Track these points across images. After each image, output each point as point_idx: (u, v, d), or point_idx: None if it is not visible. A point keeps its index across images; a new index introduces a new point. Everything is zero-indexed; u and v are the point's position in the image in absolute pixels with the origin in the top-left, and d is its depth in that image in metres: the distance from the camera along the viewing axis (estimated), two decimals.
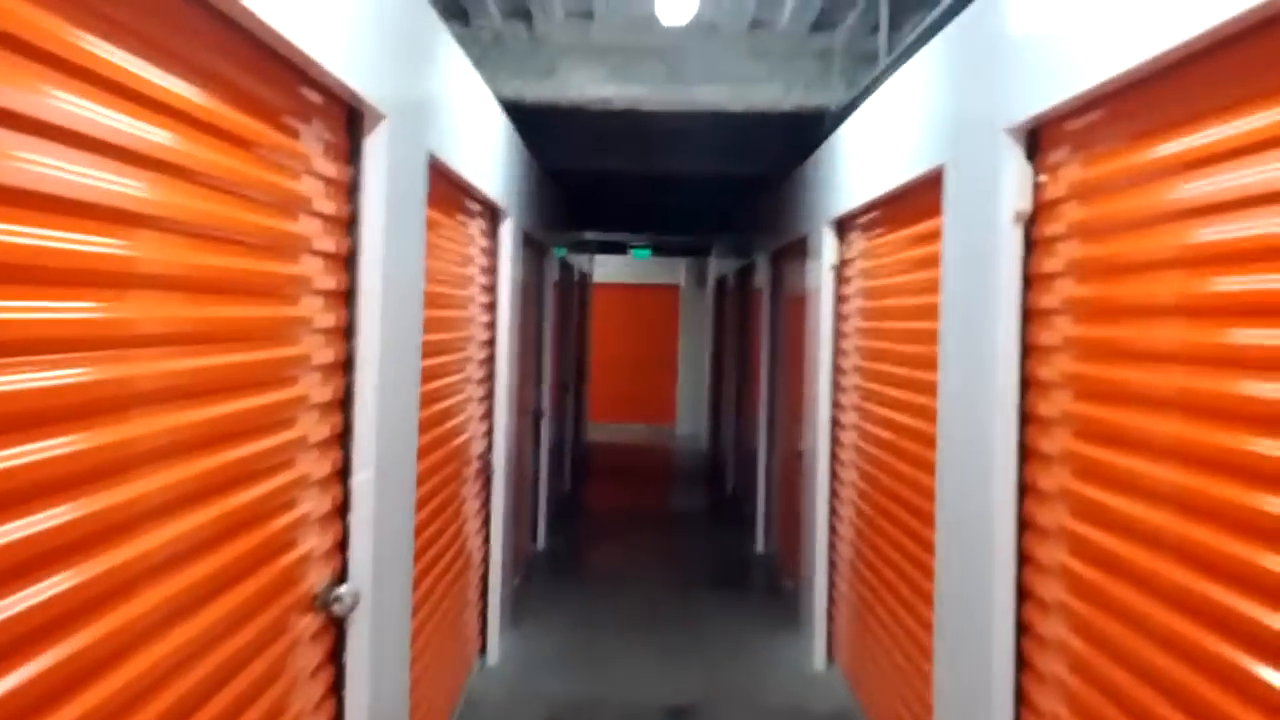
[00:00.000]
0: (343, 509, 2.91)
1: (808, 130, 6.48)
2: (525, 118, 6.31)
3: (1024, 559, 2.99)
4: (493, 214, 5.65)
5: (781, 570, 7.68)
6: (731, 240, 12.14)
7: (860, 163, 5.09)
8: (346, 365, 2.93)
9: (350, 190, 2.94)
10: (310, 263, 2.68)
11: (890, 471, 4.62)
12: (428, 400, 4.17)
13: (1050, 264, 2.88)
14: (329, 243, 2.81)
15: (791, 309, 7.58)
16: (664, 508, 10.96)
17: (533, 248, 7.81)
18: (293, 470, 2.56)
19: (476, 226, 5.39)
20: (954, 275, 3.52)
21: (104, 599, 1.72)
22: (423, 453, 4.09)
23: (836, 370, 5.76)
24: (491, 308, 5.71)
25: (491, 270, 5.71)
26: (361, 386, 2.96)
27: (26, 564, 1.52)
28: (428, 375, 4.17)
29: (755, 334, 9.53)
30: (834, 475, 5.78)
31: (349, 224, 2.94)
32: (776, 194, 8.04)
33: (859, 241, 5.47)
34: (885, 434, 4.76)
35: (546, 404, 8.51)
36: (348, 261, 2.94)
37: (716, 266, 14.79)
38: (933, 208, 3.90)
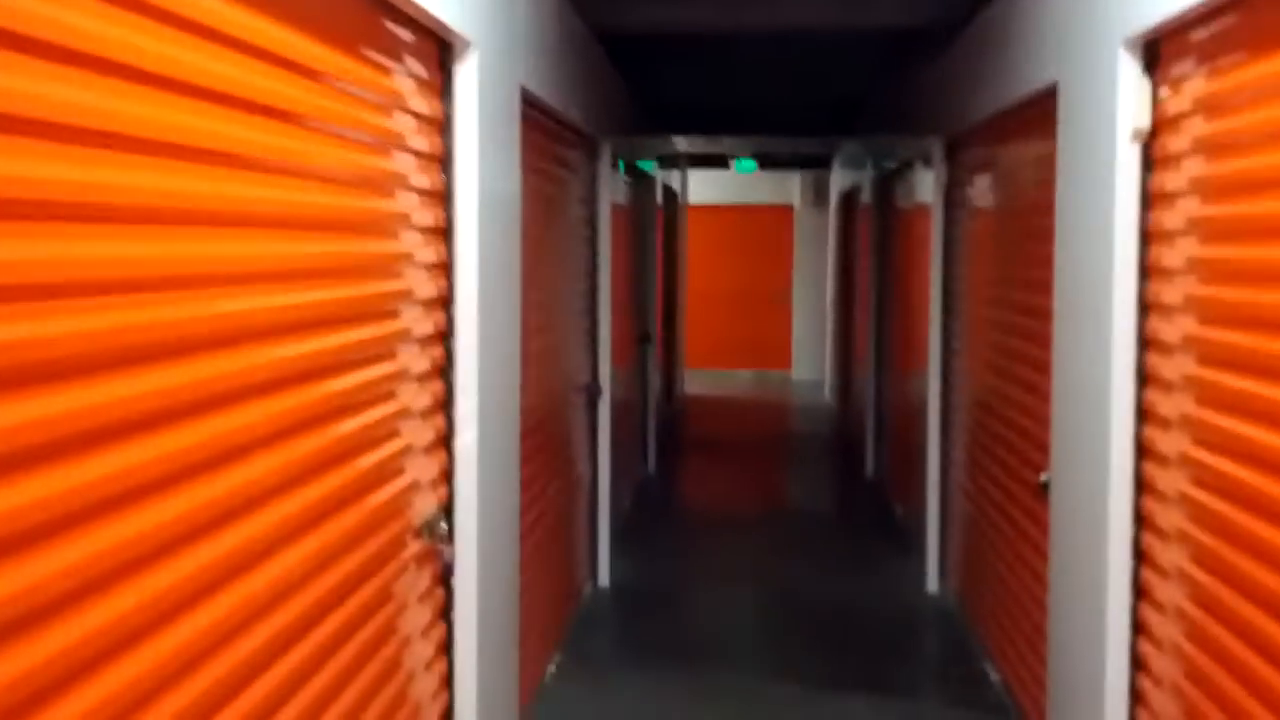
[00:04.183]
0: None
1: None
2: None
3: None
4: (435, 46, 2.84)
5: (977, 638, 4.80)
6: (864, 140, 9.10)
7: None
8: None
9: None
10: None
11: None
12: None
13: None
14: None
15: (992, 225, 4.62)
16: (781, 505, 8.13)
17: (573, 145, 4.97)
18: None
19: (402, 74, 2.61)
20: None
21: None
22: None
23: (1147, 344, 2.83)
24: (443, 234, 2.93)
25: (441, 161, 2.91)
26: None
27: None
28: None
29: (914, 265, 6.55)
30: (1142, 530, 2.88)
31: None
32: (961, 42, 5.02)
33: (1201, 79, 2.51)
34: None
35: (606, 374, 5.73)
36: None
37: (841, 178, 11.74)
38: None
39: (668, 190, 10.24)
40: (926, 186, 6.11)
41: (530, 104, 3.81)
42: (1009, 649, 4.29)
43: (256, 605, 1.86)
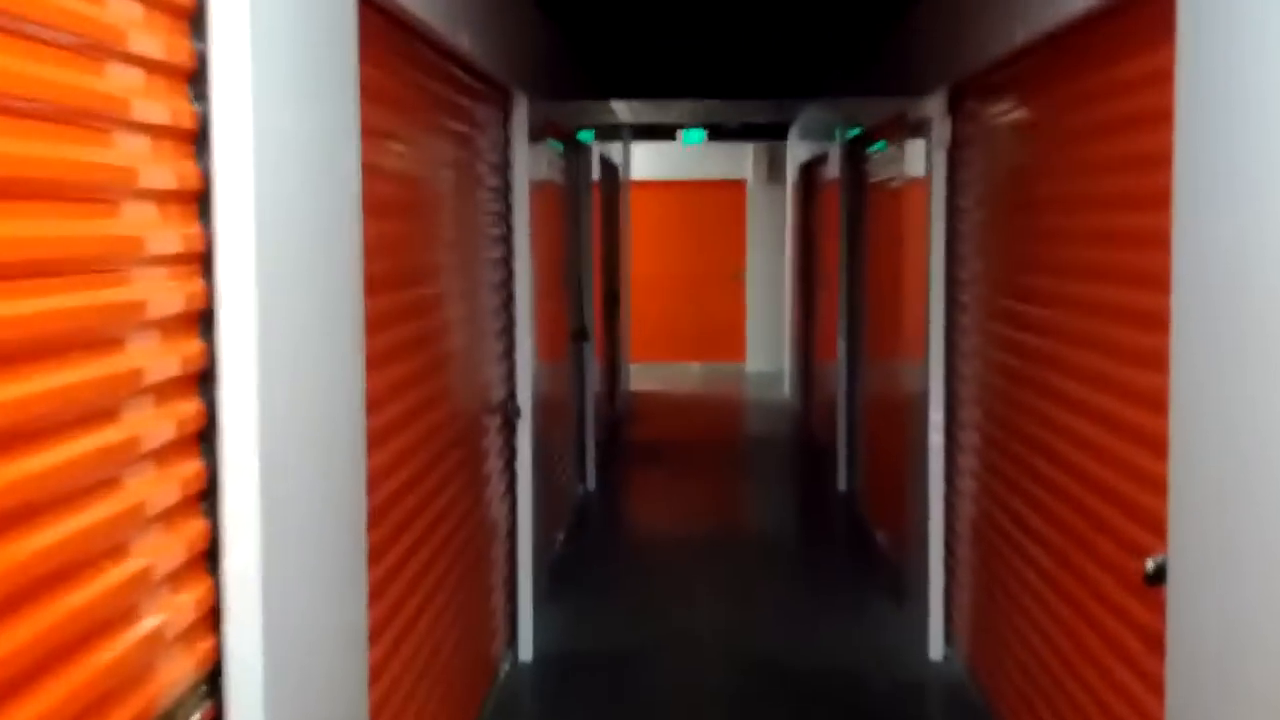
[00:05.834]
0: None
1: None
2: None
3: None
4: None
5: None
6: (835, 103, 7.99)
7: None
8: None
9: None
10: None
11: None
12: None
13: None
14: None
15: (1030, 192, 3.48)
16: (741, 529, 6.99)
17: (476, 95, 3.74)
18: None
19: None
20: None
21: None
22: None
23: None
24: (195, 202, 1.71)
25: (189, 77, 1.69)
26: None
27: None
28: None
29: (903, 245, 5.42)
30: None
31: None
32: None
33: None
34: None
35: (527, 388, 4.53)
36: None
37: (799, 150, 10.60)
38: None
39: (606, 163, 9.02)
40: (918, 153, 4.97)
41: (387, 16, 2.58)
42: None
43: None
